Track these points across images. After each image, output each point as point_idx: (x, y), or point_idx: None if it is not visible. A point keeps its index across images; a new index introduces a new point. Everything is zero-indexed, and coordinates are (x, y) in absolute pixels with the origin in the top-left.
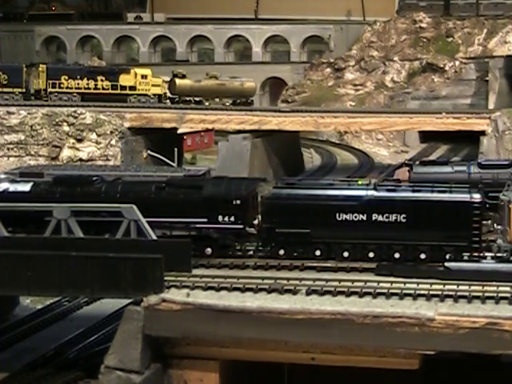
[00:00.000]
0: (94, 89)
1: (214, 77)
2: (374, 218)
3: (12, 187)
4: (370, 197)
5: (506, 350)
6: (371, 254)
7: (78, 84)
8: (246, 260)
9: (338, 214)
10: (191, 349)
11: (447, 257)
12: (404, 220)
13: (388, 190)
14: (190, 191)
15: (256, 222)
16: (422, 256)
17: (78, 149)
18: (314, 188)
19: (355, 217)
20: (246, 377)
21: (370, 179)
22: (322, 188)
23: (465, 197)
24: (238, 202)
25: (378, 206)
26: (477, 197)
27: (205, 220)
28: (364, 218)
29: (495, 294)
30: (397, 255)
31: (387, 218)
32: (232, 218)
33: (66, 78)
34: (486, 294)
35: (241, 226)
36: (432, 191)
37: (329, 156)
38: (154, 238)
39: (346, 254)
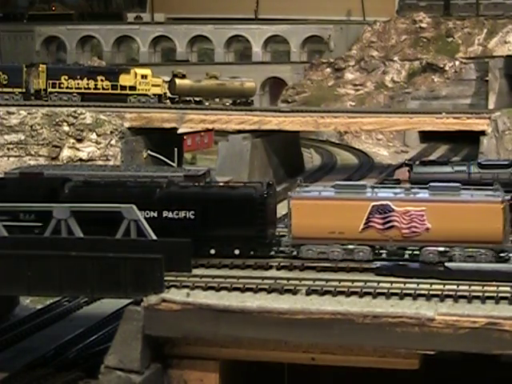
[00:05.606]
0: (94, 89)
1: (214, 77)
2: (164, 215)
3: None
4: (160, 194)
5: (506, 350)
6: None
7: (78, 84)
8: (246, 260)
9: None
10: (191, 349)
11: (236, 252)
12: (193, 216)
13: (180, 187)
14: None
15: None
16: (212, 251)
17: (78, 149)
18: (108, 186)
19: (147, 214)
20: (246, 377)
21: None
22: (116, 186)
23: (249, 192)
24: (38, 201)
25: (168, 203)
26: (260, 192)
27: (9, 218)
28: (155, 215)
29: (495, 294)
30: None
31: (177, 214)
32: (33, 217)
33: (66, 77)
34: (486, 294)
35: (40, 225)
36: (220, 188)
37: (329, 156)
38: (154, 237)
39: None
